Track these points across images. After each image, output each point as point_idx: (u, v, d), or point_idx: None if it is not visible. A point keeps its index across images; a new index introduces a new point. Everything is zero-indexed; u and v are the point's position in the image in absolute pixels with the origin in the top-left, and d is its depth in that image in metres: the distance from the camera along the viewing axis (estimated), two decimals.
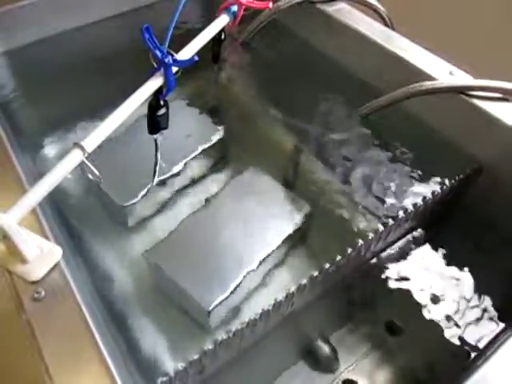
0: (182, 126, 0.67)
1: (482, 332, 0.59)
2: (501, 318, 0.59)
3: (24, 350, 0.40)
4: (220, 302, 0.51)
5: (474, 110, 0.61)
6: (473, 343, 0.58)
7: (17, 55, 0.73)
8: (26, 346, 0.40)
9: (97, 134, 0.46)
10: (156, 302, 0.55)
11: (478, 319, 0.60)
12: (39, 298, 0.42)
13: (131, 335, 0.51)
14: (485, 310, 0.61)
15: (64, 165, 0.44)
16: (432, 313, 0.62)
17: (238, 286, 0.53)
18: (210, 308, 0.50)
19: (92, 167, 0.46)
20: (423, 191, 0.59)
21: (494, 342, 0.53)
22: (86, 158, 0.46)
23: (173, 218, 0.63)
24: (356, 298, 0.64)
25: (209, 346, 0.44)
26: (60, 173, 0.44)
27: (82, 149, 0.45)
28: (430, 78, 0.63)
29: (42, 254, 0.44)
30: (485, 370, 0.42)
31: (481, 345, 0.57)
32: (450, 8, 1.02)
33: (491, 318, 0.60)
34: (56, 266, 0.44)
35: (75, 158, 0.45)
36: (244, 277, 0.53)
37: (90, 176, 0.56)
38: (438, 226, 0.68)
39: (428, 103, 0.63)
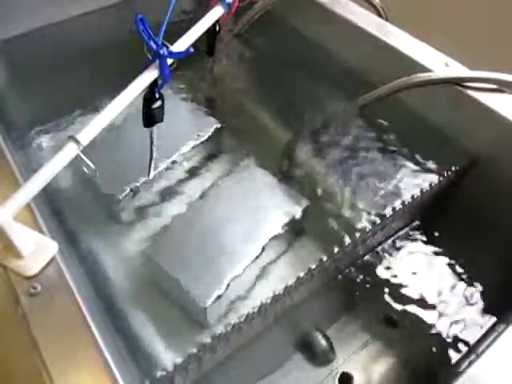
0: (178, 119, 0.66)
1: (474, 326, 0.59)
2: (494, 311, 0.59)
3: (21, 345, 0.40)
4: (217, 298, 0.51)
5: (469, 102, 0.61)
6: (465, 337, 0.58)
7: (7, 46, 0.72)
8: (23, 342, 0.39)
9: (92, 127, 0.46)
10: (153, 296, 0.54)
11: (471, 313, 0.61)
12: (35, 293, 0.41)
13: (128, 330, 0.50)
14: (478, 304, 0.61)
15: (59, 158, 0.44)
16: (426, 306, 0.62)
17: (235, 279, 0.52)
18: (207, 304, 0.50)
19: (87, 160, 0.46)
20: (421, 183, 0.59)
21: (486, 336, 0.53)
22: (81, 151, 0.45)
23: (168, 211, 0.63)
24: (353, 290, 0.64)
25: (207, 339, 0.44)
26: (55, 166, 0.43)
27: (77, 142, 0.44)
28: (426, 70, 0.63)
29: (37, 248, 0.44)
30: (477, 366, 0.42)
31: (473, 339, 0.57)
32: None
33: (484, 312, 0.60)
34: (52, 260, 0.44)
35: (70, 151, 0.44)
36: (242, 271, 0.53)
37: (85, 169, 0.55)
38: (434, 218, 0.68)
39: (424, 95, 0.63)
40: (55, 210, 0.57)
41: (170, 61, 0.49)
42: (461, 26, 0.95)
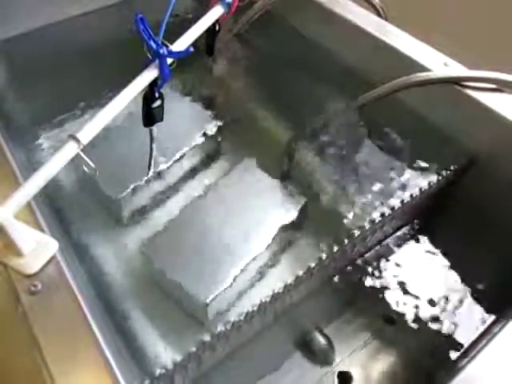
0: (177, 119, 0.67)
1: (473, 325, 0.59)
2: (492, 309, 0.59)
3: (21, 343, 0.40)
4: (217, 296, 0.51)
5: (468, 101, 0.61)
6: (464, 336, 0.58)
7: (7, 46, 0.72)
8: (23, 340, 0.39)
9: (92, 126, 0.46)
10: (153, 295, 0.55)
11: (470, 311, 0.61)
12: (35, 292, 0.41)
13: (128, 328, 0.50)
14: (477, 302, 0.61)
15: (59, 157, 0.44)
16: (424, 305, 0.62)
17: (235, 278, 0.53)
18: (207, 302, 0.50)
19: (87, 159, 0.46)
20: (419, 182, 0.59)
21: (485, 335, 0.53)
22: (81, 150, 0.45)
23: (168, 210, 0.63)
24: (352, 289, 0.64)
25: (207, 338, 0.44)
26: (55, 165, 0.44)
27: (77, 141, 0.44)
28: (425, 69, 0.63)
29: (37, 247, 0.44)
30: (476, 364, 0.42)
31: (472, 337, 0.57)
32: None
33: (483, 311, 0.60)
34: (52, 259, 0.44)
35: (70, 150, 0.44)
36: (241, 269, 0.53)
37: (85, 168, 0.55)
38: (432, 217, 0.68)
39: (423, 94, 0.63)
40: (55, 208, 0.57)
41: (169, 60, 0.49)
42: (461, 26, 0.96)
